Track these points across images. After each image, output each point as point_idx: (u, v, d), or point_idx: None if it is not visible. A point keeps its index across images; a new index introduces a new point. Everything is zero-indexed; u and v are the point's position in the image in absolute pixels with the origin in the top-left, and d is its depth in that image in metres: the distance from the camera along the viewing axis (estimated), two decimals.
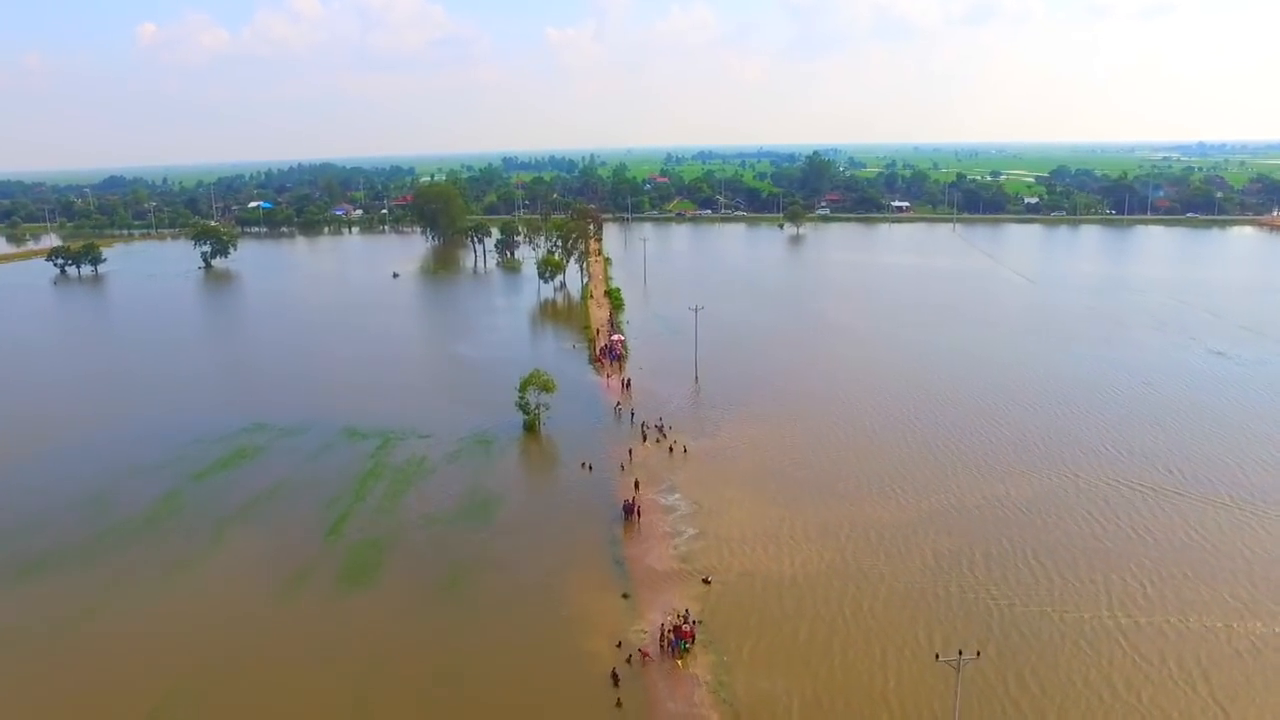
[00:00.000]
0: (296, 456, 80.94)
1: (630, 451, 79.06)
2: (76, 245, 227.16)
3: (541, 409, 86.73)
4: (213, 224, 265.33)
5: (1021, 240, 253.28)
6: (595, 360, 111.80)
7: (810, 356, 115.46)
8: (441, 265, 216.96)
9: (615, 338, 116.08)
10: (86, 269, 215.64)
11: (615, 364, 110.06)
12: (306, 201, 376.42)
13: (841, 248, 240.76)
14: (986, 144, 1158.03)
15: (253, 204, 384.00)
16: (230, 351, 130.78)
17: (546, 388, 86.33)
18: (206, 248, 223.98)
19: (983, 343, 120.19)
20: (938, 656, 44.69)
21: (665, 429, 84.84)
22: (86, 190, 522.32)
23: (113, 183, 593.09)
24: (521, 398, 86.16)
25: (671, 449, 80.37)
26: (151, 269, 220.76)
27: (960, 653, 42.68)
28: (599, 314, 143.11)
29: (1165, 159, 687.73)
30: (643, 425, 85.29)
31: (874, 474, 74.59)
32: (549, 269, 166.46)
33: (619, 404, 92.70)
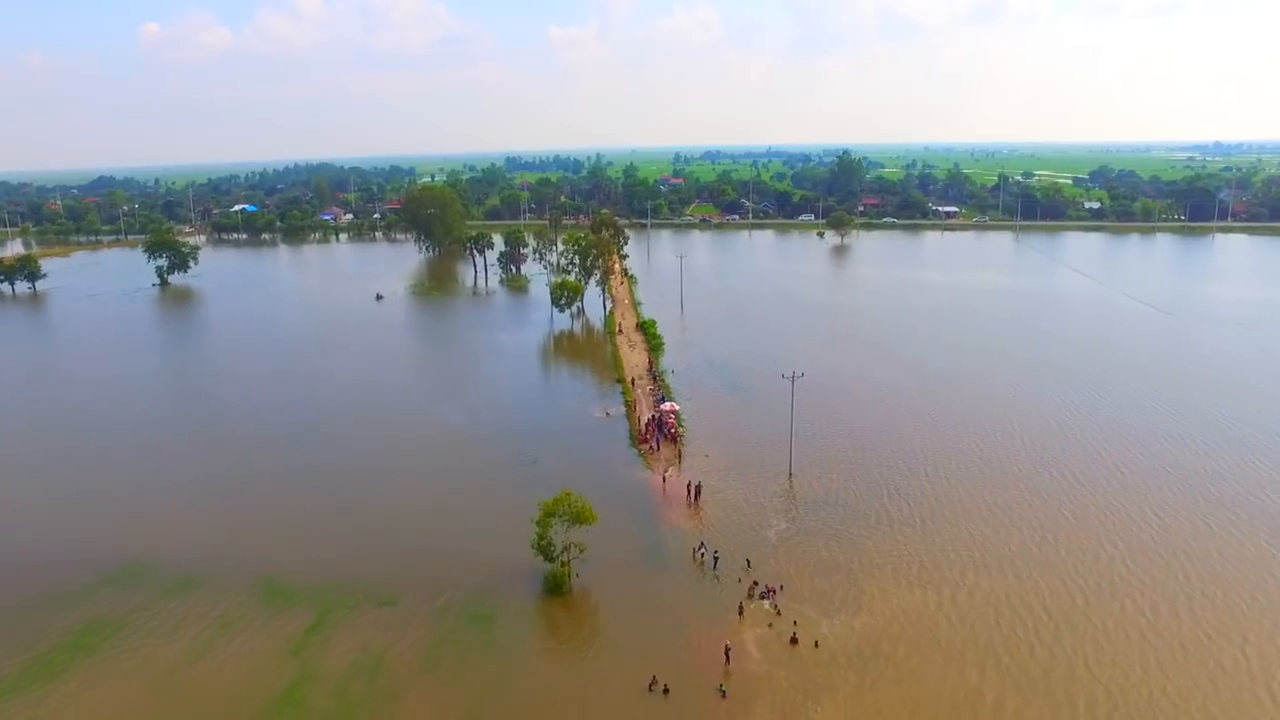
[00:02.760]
0: (166, 651, 48.95)
1: (727, 649, 47.22)
2: (12, 259, 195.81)
3: (573, 550, 54.90)
4: (167, 233, 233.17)
5: (1100, 252, 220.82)
6: (640, 441, 79.84)
7: (938, 431, 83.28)
8: (435, 283, 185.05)
9: (666, 407, 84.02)
10: (24, 285, 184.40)
11: (669, 445, 78.29)
12: (295, 204, 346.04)
13: (897, 261, 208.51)
14: (997, 144, 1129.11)
15: (237, 207, 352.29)
16: (133, 423, 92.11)
17: (581, 518, 54.58)
18: (162, 261, 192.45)
19: (1177, 410, 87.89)
20: None
21: (777, 594, 53.00)
22: (74, 190, 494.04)
23: (102, 183, 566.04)
24: (542, 537, 54.40)
25: (795, 638, 48.54)
26: (99, 286, 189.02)
27: None
28: (632, 357, 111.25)
29: (1190, 159, 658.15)
30: (747, 591, 53.42)
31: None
32: (565, 294, 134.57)
33: (701, 547, 58.98)
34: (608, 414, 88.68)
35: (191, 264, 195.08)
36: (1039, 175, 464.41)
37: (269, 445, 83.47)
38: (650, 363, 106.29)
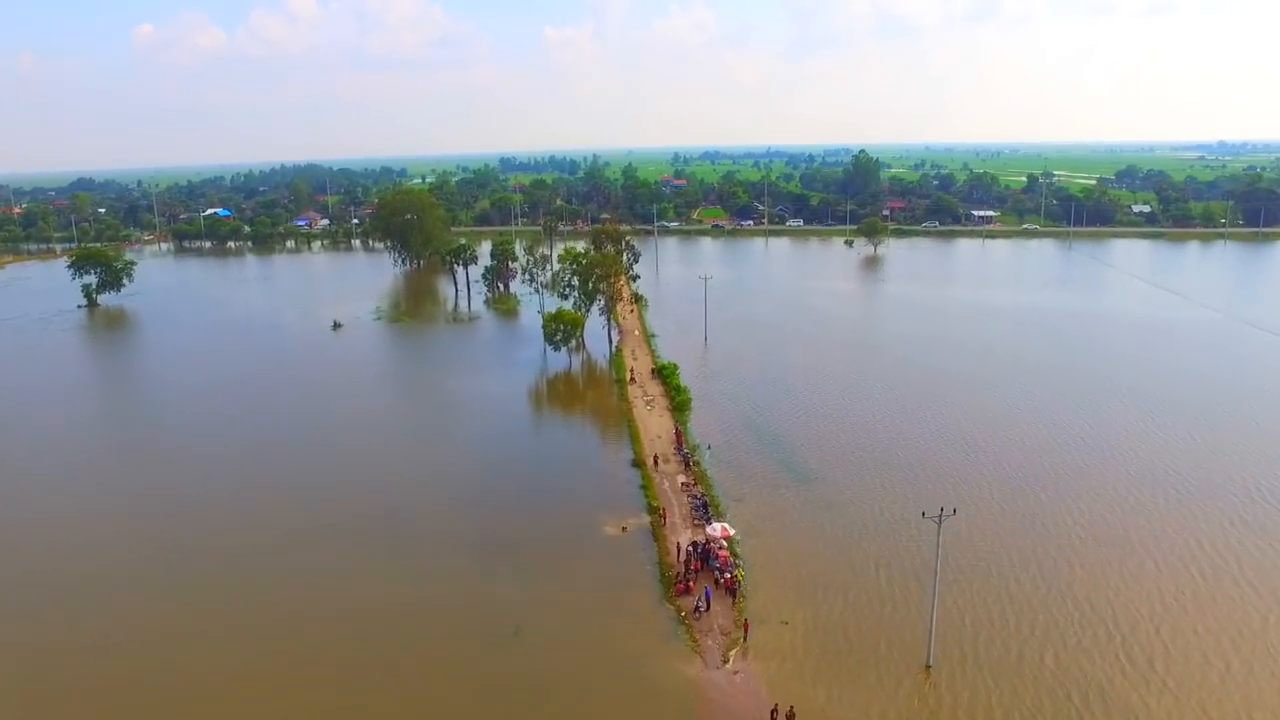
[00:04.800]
0: None
1: None
2: None
3: None
4: (124, 241, 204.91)
5: (1172, 264, 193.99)
6: (676, 588, 52.06)
7: (1114, 560, 55.96)
8: (409, 304, 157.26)
9: (715, 531, 56.13)
10: None
11: (721, 597, 50.67)
12: (271, 208, 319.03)
13: (946, 277, 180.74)
14: (998, 144, 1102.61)
15: (208, 211, 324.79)
16: None
17: None
18: (91, 278, 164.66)
19: None
20: None
21: None
22: (51, 193, 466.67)
23: (80, 186, 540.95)
24: None
25: None
26: (16, 307, 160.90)
27: None
28: (651, 422, 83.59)
29: (1199, 158, 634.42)
30: None
31: None
32: (561, 328, 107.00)
33: None
34: (624, 529, 60.91)
35: (126, 281, 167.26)
36: (1058, 175, 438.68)
37: (90, 610, 55.61)
38: (677, 433, 78.62)
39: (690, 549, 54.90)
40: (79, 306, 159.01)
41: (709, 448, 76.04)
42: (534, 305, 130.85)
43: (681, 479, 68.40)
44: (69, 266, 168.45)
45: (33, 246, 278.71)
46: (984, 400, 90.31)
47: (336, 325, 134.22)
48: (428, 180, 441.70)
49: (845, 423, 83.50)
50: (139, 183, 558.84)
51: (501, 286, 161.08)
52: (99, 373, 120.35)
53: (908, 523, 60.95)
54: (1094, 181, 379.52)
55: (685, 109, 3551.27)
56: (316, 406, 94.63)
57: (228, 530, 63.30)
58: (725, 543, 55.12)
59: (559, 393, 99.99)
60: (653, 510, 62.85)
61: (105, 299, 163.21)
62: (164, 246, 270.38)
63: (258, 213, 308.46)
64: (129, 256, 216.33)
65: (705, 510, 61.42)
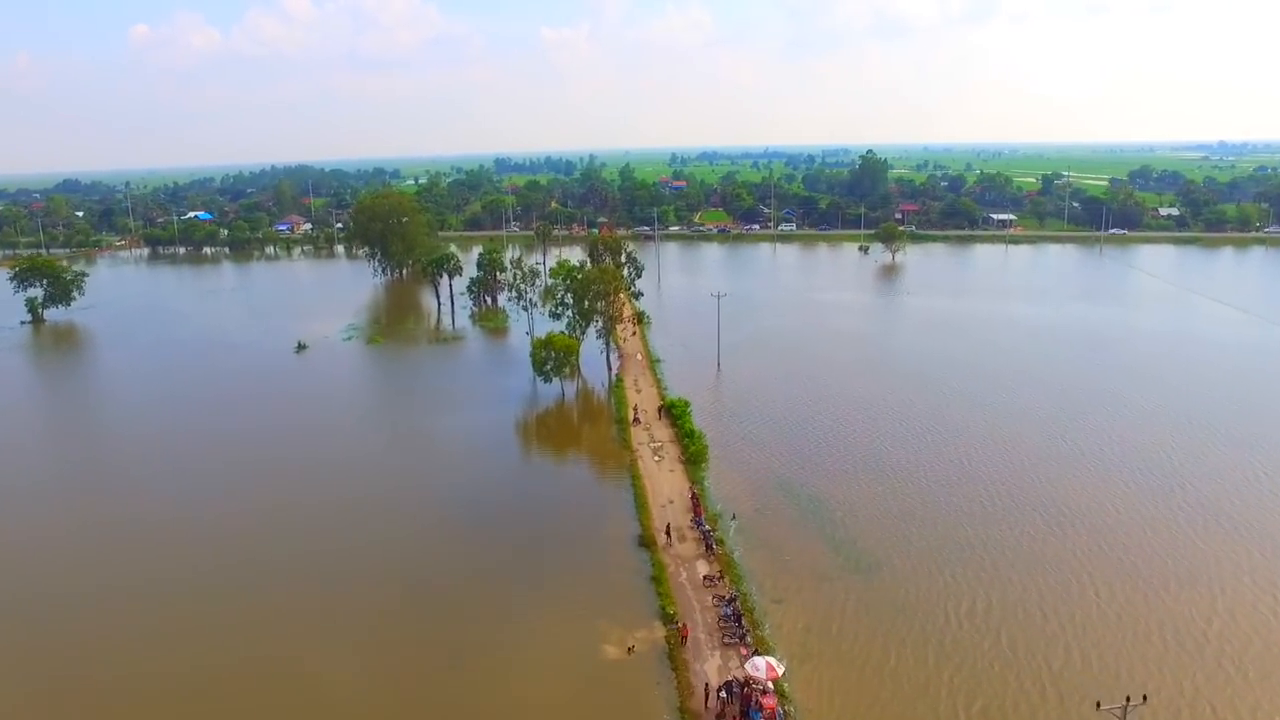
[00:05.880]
0: None
1: None
2: None
3: None
4: (94, 247, 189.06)
5: (1214, 271, 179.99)
6: None
7: None
8: (385, 323, 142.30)
9: (758, 671, 41.14)
10: None
11: None
12: (253, 212, 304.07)
13: (978, 289, 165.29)
14: (998, 144, 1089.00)
15: (190, 214, 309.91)
16: None
17: None
18: (37, 292, 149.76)
19: None
20: None
21: None
22: (36, 195, 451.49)
23: (66, 187, 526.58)
24: None
25: None
26: None
27: None
28: (660, 479, 68.69)
29: (1205, 159, 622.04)
30: None
31: None
32: (553, 357, 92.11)
33: None
34: (630, 649, 46.09)
35: (76, 294, 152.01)
36: (1068, 175, 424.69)
37: None
38: (694, 497, 63.86)
39: (723, 694, 40.17)
40: (21, 323, 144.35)
41: (734, 518, 61.31)
42: (524, 322, 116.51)
43: (703, 569, 53.58)
44: (11, 279, 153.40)
45: None
46: (1059, 449, 75.54)
47: (301, 347, 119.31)
48: (420, 181, 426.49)
49: (894, 480, 68.84)
50: (126, 184, 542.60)
51: (489, 300, 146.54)
52: (11, 406, 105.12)
53: (985, 634, 46.69)
54: (1105, 182, 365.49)
55: (682, 109, 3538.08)
56: (259, 452, 79.68)
57: (110, 650, 48.51)
58: (771, 684, 40.33)
59: (549, 436, 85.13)
60: (668, 619, 48.08)
61: (54, 314, 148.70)
62: (137, 253, 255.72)
63: (239, 216, 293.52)
64: (101, 263, 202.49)
65: (738, 622, 46.73)
